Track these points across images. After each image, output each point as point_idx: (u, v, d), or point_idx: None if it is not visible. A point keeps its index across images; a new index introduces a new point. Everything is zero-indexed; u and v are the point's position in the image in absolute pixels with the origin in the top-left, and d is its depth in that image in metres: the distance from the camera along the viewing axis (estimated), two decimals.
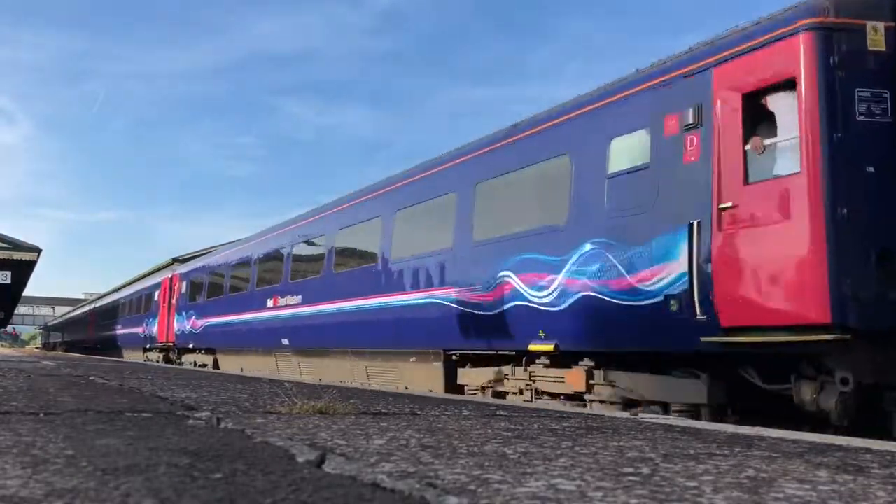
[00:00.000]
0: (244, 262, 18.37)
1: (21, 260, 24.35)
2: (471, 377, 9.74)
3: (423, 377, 10.70)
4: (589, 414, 5.16)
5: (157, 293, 26.67)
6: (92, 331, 44.03)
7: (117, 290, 43.08)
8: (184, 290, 23.14)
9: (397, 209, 11.56)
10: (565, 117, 8.47)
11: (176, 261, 33.61)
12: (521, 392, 8.77)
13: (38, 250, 24.63)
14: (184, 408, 4.37)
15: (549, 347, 8.06)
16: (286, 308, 15.08)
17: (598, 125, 7.82)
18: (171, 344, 23.91)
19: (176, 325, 23.24)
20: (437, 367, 10.35)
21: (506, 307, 8.69)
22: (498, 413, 4.87)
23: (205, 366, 20.45)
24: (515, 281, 8.56)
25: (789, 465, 2.63)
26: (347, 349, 12.92)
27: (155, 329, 26.15)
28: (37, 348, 76.70)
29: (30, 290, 38.89)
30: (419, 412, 4.65)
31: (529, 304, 8.32)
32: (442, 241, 10.27)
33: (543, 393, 8.50)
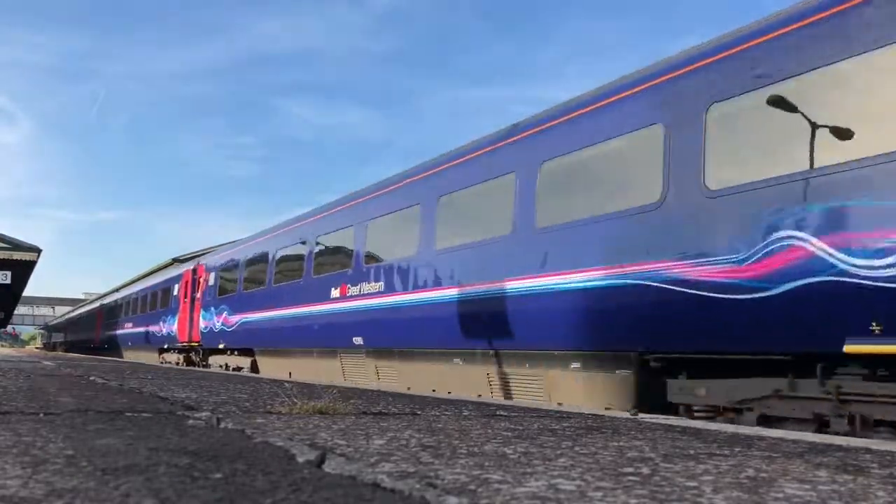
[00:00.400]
0: (296, 247, 15.13)
1: (21, 260, 24.30)
2: (699, 393, 6.67)
3: (592, 390, 7.78)
4: (589, 414, 5.15)
5: (176, 287, 23.73)
6: (98, 330, 40.97)
7: (127, 285, 40.26)
8: (212, 282, 20.10)
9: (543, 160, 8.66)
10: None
11: (176, 261, 33.44)
12: (818, 419, 5.83)
13: (38, 250, 24.60)
14: (184, 408, 4.37)
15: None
16: (359, 298, 12.11)
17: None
18: (195, 344, 21.05)
19: (202, 323, 20.27)
20: (622, 377, 7.42)
21: (789, 286, 5.70)
22: (498, 413, 4.87)
23: (240, 369, 17.51)
24: (811, 244, 5.60)
25: (789, 465, 2.63)
26: (457, 349, 9.84)
27: (174, 327, 23.27)
28: (37, 348, 76.66)
29: (30, 290, 38.77)
30: (419, 412, 4.65)
31: (845, 280, 5.37)
32: (645, 192, 7.11)
33: (879, 422, 5.51)
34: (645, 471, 2.35)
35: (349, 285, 12.46)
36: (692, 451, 2.94)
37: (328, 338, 13.26)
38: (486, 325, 9.02)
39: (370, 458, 2.45)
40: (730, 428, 4.25)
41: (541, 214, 8.44)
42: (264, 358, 16.67)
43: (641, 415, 5.30)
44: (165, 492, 1.75)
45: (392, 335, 11.19)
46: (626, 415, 5.25)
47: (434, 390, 9.71)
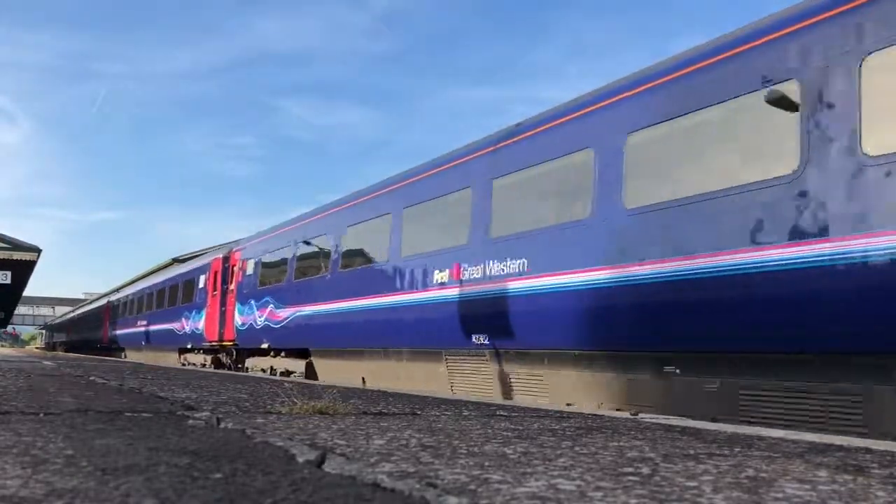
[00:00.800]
0: (375, 222, 12.11)
1: (21, 260, 24.30)
2: None
3: None
4: (589, 414, 5.16)
5: (202, 279, 20.68)
6: (106, 329, 37.84)
7: (138, 279, 37.64)
8: (250, 270, 17.14)
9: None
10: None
11: (176, 261, 33.21)
12: None
13: (38, 250, 24.61)
14: (184, 408, 4.37)
15: None
16: (484, 283, 9.13)
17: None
18: (229, 343, 18.04)
19: (238, 318, 17.26)
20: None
21: None
22: (498, 413, 4.87)
23: (291, 374, 14.30)
24: None
25: (789, 465, 2.63)
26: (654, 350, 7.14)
27: (200, 324, 20.24)
28: (37, 348, 76.64)
29: (30, 290, 38.76)
30: (419, 412, 4.65)
31: None
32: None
33: None
34: (645, 471, 2.35)
35: (466, 266, 9.55)
36: (692, 451, 2.94)
37: (428, 335, 10.36)
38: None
39: (370, 458, 2.45)
40: (730, 428, 4.25)
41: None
42: (323, 360, 13.73)
43: (641, 415, 5.30)
44: (165, 492, 1.75)
45: (530, 333, 8.50)
46: (626, 415, 5.25)
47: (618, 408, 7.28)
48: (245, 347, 17.11)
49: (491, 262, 9.13)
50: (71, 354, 36.09)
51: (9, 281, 25.57)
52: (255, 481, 1.94)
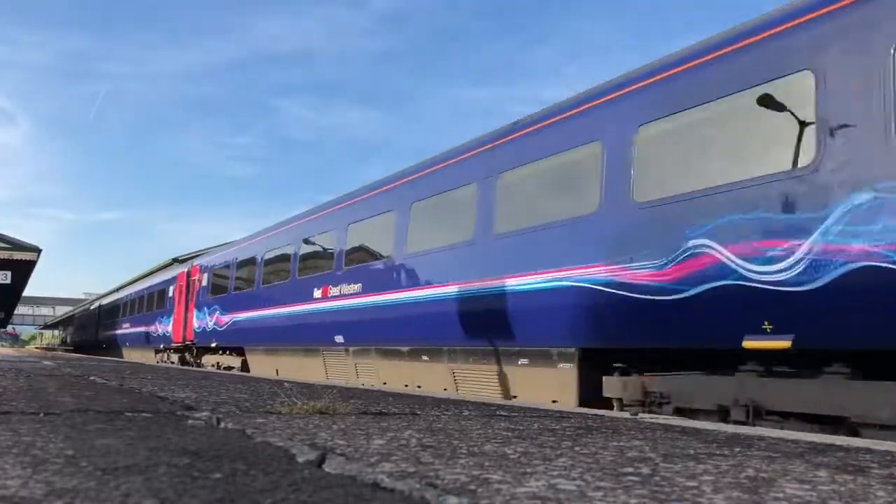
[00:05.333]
0: (284, 248, 15.67)
1: (21, 260, 24.30)
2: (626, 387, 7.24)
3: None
4: (589, 414, 5.16)
5: (171, 289, 24.11)
6: (97, 330, 41.22)
7: (123, 287, 40.07)
8: (205, 282, 20.60)
9: None
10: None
11: (176, 261, 33.19)
12: (723, 410, 6.32)
13: (38, 250, 24.60)
14: (183, 408, 4.37)
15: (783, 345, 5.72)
16: (339, 299, 12.74)
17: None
18: (189, 343, 21.43)
19: (195, 322, 20.74)
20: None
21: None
22: (498, 413, 4.87)
23: (230, 368, 18.01)
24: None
25: (789, 465, 2.63)
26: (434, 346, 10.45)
27: (170, 328, 23.66)
28: (37, 348, 76.62)
29: (30, 290, 38.77)
30: (419, 412, 4.65)
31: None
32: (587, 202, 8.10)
33: (771, 413, 6.01)
34: (645, 471, 2.35)
35: (330, 286, 13.17)
36: (692, 451, 2.94)
37: (312, 336, 13.67)
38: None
39: (370, 458, 2.45)
40: (729, 428, 4.25)
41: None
42: (254, 356, 17.26)
43: (641, 415, 5.30)
44: (165, 492, 1.75)
45: (369, 334, 11.86)
46: (626, 415, 5.26)
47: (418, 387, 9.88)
48: (201, 346, 20.67)
49: (345, 283, 12.70)
50: (69, 354, 36.08)
51: (9, 281, 25.56)
52: (255, 481, 1.94)
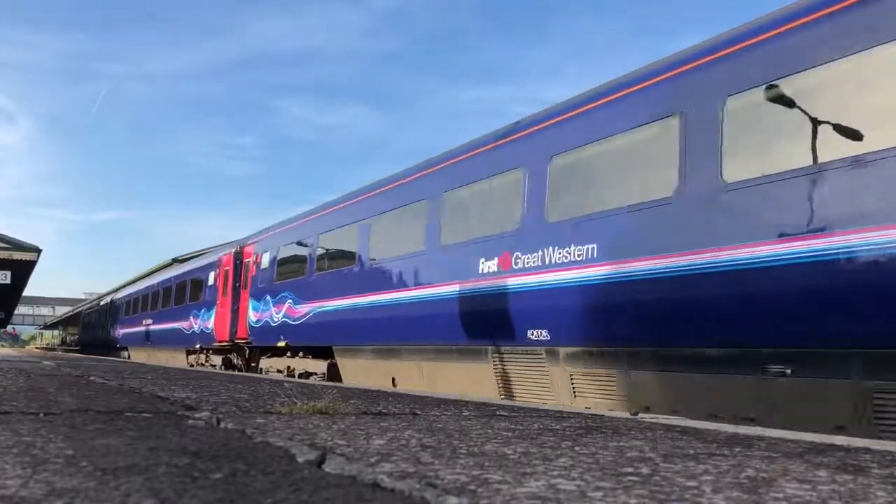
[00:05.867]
0: (412, 208, 11.22)
1: (21, 260, 24.29)
2: None
3: None
4: (589, 414, 5.16)
5: (211, 276, 19.87)
6: (108, 329, 36.69)
7: (140, 278, 36.07)
8: (265, 264, 16.27)
9: None
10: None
11: (176, 261, 32.91)
12: None
13: (38, 250, 24.60)
14: (184, 408, 4.37)
15: None
16: (541, 272, 8.35)
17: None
18: (243, 341, 17.09)
19: (251, 315, 16.45)
20: None
21: None
22: (498, 413, 4.87)
23: (308, 376, 13.84)
24: None
25: (789, 465, 2.63)
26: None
27: (210, 323, 19.31)
28: (37, 348, 76.60)
29: (30, 290, 38.68)
30: (419, 412, 4.65)
31: None
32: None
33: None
34: (645, 471, 2.35)
35: (518, 253, 8.77)
36: (692, 451, 2.94)
37: (475, 330, 9.37)
38: None
39: (370, 458, 2.45)
40: (730, 428, 4.25)
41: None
42: (350, 360, 12.71)
43: (641, 415, 5.30)
44: (165, 492, 1.75)
45: (618, 329, 7.57)
46: (626, 415, 5.26)
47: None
48: (260, 345, 16.31)
49: (553, 246, 8.76)
50: (69, 354, 35.86)
51: (9, 281, 25.56)
52: (255, 481, 1.94)
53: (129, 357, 30.33)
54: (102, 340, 38.40)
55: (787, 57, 6.26)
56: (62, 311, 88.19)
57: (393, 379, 11.36)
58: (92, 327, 45.11)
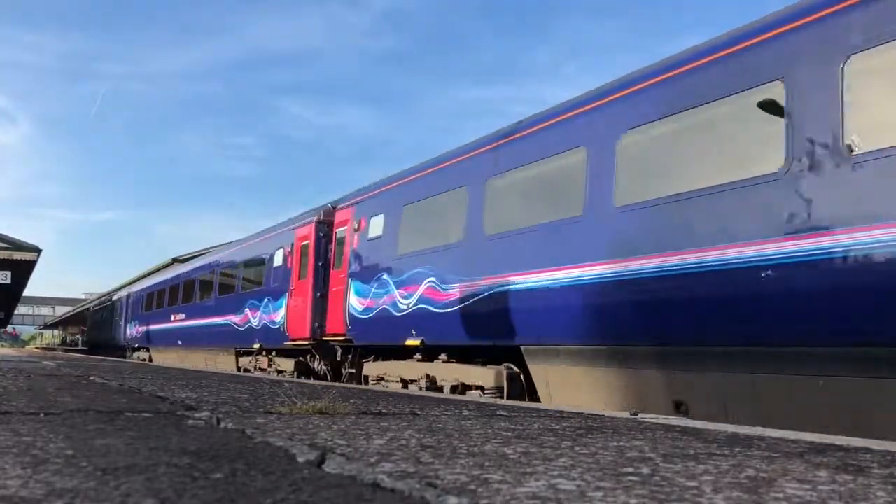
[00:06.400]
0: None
1: (21, 260, 24.31)
2: None
3: None
4: (589, 414, 5.15)
5: (277, 255, 15.49)
6: (123, 327, 31.96)
7: (163, 267, 31.41)
8: (377, 230, 11.85)
9: None
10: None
11: (176, 261, 32.66)
12: None
13: (38, 250, 24.62)
14: (184, 408, 4.37)
15: None
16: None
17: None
18: (336, 339, 12.80)
19: (355, 302, 12.07)
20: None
21: None
22: (498, 413, 4.87)
23: (468, 390, 9.30)
24: None
25: (789, 465, 2.63)
26: None
27: (278, 315, 14.98)
28: (37, 349, 76.54)
29: (30, 290, 38.58)
30: (419, 412, 4.65)
31: None
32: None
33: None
34: (645, 471, 2.35)
35: None
36: (692, 451, 2.94)
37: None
38: None
39: (370, 458, 2.45)
40: (730, 428, 4.25)
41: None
42: (558, 368, 8.25)
43: (641, 415, 5.30)
44: (165, 492, 1.75)
45: None
46: (626, 415, 5.26)
47: None
48: (366, 345, 12.08)
49: None
50: (70, 354, 35.68)
51: (9, 281, 25.58)
52: (255, 481, 1.94)
53: (149, 359, 26.31)
54: (115, 340, 33.76)
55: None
56: (62, 311, 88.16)
57: (679, 404, 6.89)
58: (102, 326, 40.12)
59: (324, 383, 9.69)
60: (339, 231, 13.44)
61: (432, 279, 10.20)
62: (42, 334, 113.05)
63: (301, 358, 14.65)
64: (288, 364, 14.91)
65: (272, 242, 16.14)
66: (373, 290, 11.69)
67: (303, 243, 14.44)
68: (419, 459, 2.44)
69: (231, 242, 20.94)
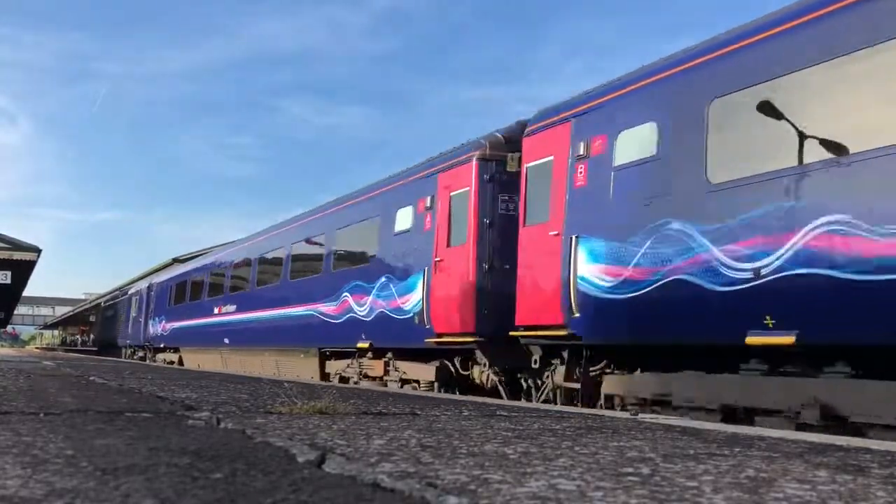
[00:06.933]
0: None
1: (21, 260, 24.27)
2: None
3: None
4: (589, 414, 5.16)
5: (405, 214, 11.16)
6: (143, 325, 27.19)
7: (197, 255, 26.25)
8: (656, 147, 7.01)
9: None
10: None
11: (176, 261, 32.47)
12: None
13: (38, 250, 24.59)
14: (184, 408, 4.37)
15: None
16: None
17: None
18: (544, 333, 8.01)
19: (591, 272, 7.51)
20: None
21: None
22: (498, 413, 4.87)
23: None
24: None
25: (789, 465, 2.63)
26: None
27: (411, 299, 10.54)
28: (37, 349, 76.50)
29: (30, 290, 38.52)
30: (419, 412, 4.65)
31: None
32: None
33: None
34: (645, 471, 2.35)
35: None
36: (692, 451, 2.94)
37: None
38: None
39: (370, 458, 2.45)
40: (730, 428, 4.25)
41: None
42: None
43: (641, 415, 5.30)
44: (165, 492, 1.75)
45: None
46: (626, 415, 5.25)
47: None
48: (616, 344, 7.59)
49: None
50: (71, 354, 35.49)
51: (9, 281, 25.55)
52: (255, 481, 1.94)
53: (179, 362, 22.20)
54: (131, 339, 30.04)
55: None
56: (62, 311, 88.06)
57: None
58: (114, 323, 35.20)
59: (323, 383, 9.69)
60: (532, 166, 8.80)
61: (829, 219, 5.45)
62: (42, 334, 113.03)
63: (446, 361, 10.19)
64: (424, 372, 10.43)
65: (388, 199, 11.78)
66: (644, 249, 6.98)
67: (453, 193, 10.16)
68: (419, 459, 2.44)
69: (307, 212, 15.62)
